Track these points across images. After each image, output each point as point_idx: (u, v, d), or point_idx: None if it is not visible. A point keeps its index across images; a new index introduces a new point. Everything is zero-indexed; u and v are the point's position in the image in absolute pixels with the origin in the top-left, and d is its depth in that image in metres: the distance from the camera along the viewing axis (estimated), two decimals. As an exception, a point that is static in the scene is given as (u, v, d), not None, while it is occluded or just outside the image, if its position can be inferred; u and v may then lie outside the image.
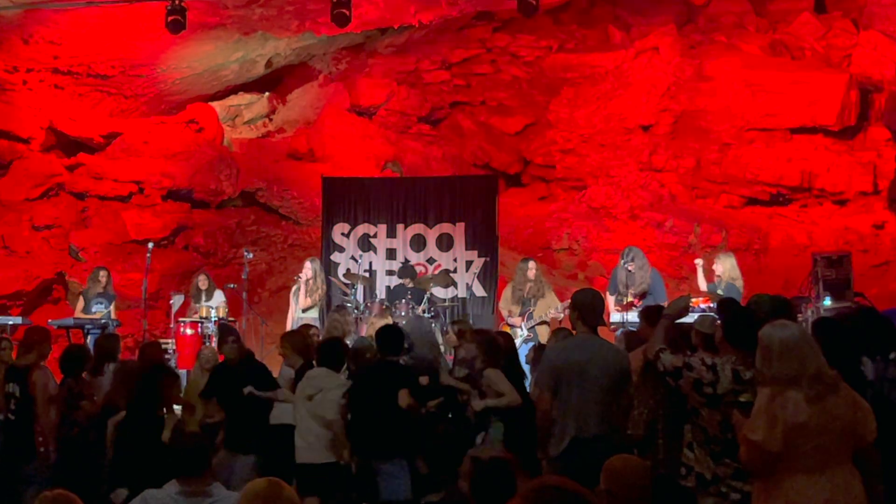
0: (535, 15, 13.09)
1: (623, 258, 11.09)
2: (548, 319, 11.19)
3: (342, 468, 6.91)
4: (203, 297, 12.29)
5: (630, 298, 10.79)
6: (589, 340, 5.85)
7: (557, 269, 15.29)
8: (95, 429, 7.88)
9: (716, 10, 17.37)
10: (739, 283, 10.90)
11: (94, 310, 11.90)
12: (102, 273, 12.25)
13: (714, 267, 11.06)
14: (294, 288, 12.23)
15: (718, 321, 5.24)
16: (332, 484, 6.81)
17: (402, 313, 11.51)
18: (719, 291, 10.57)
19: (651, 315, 6.74)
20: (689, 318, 5.95)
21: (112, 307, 12.17)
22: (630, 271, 10.90)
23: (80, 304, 12.07)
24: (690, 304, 5.59)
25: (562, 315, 10.99)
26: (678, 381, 4.68)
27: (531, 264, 11.66)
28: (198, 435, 5.64)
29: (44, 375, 7.63)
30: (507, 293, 11.77)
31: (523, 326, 11.23)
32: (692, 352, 5.19)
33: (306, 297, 11.98)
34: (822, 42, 16.48)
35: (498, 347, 7.03)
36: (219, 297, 12.36)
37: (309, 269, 12.13)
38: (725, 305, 5.25)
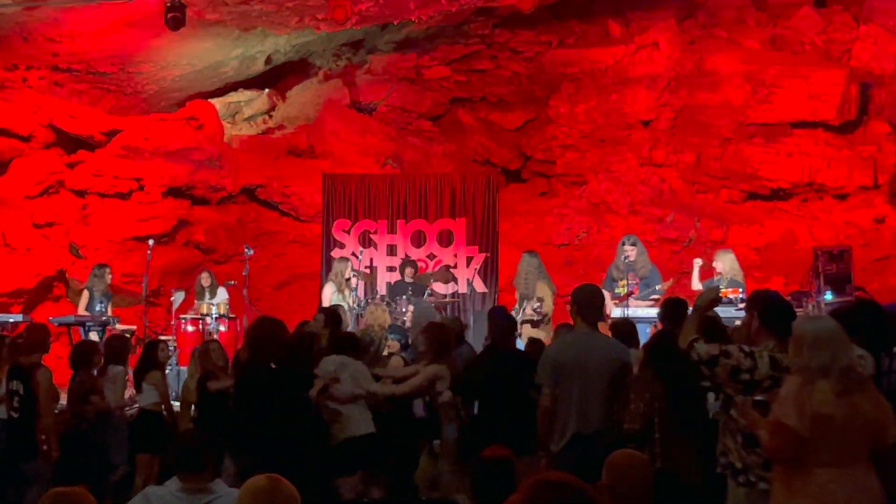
0: (534, 10, 13.11)
1: (623, 244, 11.07)
2: (531, 318, 11.00)
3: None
4: (206, 295, 12.29)
5: (626, 289, 10.78)
6: (589, 336, 5.86)
7: (558, 265, 15.28)
8: (103, 424, 7.91)
9: (715, 4, 17.36)
10: (741, 278, 10.90)
11: (97, 308, 11.86)
12: (108, 270, 12.21)
13: (714, 264, 11.00)
14: (333, 288, 12.01)
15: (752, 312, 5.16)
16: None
17: (403, 309, 11.52)
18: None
19: (671, 308, 6.74)
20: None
21: (110, 305, 12.17)
22: (630, 258, 10.89)
23: (85, 299, 11.98)
24: (720, 296, 5.56)
25: (536, 316, 10.87)
26: (714, 369, 4.63)
27: (524, 257, 11.55)
28: (198, 432, 5.64)
29: (47, 374, 7.64)
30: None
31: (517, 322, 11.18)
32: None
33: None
34: (822, 36, 16.45)
35: (447, 342, 6.96)
36: (222, 295, 12.35)
37: (348, 267, 12.10)
38: (760, 296, 5.15)
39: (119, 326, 11.84)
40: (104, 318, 11.89)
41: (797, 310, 9.71)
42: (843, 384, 3.99)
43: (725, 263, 10.91)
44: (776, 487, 4.16)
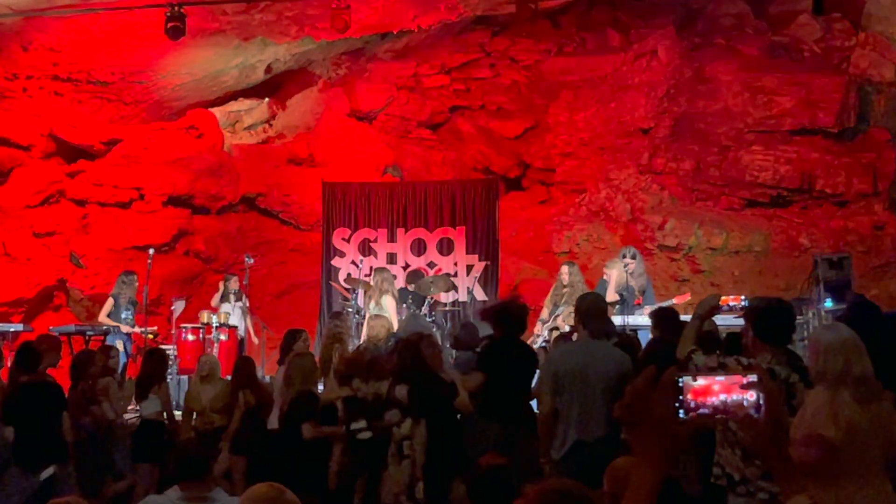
0: (533, 19, 13.14)
1: (623, 256, 11.06)
2: (559, 325, 11.02)
3: None
4: (232, 298, 12.23)
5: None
6: (589, 344, 5.88)
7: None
8: (105, 433, 7.90)
9: (714, 12, 17.39)
10: (634, 284, 10.95)
11: (123, 315, 11.74)
12: (135, 277, 12.11)
13: (606, 273, 11.06)
14: (366, 295, 12.01)
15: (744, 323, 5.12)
16: None
17: (403, 317, 11.52)
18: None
19: (661, 318, 6.73)
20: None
21: (134, 313, 12.08)
22: (630, 269, 10.88)
23: (108, 307, 11.79)
24: (720, 303, 5.50)
25: (567, 327, 10.88)
26: None
27: (564, 268, 11.49)
28: (198, 440, 5.65)
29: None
30: (548, 296, 11.71)
31: (543, 331, 11.17)
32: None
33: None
34: (820, 43, 16.48)
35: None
36: (245, 301, 12.35)
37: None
38: (754, 307, 5.12)
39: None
40: (105, 327, 11.84)
41: (797, 317, 9.76)
42: (862, 393, 3.96)
43: (612, 274, 10.97)
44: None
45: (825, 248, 13.72)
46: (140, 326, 11.89)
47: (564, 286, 11.27)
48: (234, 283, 12.36)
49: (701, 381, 2.09)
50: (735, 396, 2.09)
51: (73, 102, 15.76)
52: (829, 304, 10.57)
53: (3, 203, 14.97)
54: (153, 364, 8.54)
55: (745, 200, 15.67)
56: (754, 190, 15.50)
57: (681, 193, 15.91)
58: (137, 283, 12.00)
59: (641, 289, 10.92)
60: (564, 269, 11.50)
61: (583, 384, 5.68)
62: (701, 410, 2.08)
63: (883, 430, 3.97)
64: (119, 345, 11.05)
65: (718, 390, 2.10)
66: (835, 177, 15.12)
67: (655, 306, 9.42)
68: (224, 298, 12.28)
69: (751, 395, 2.11)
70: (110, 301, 11.88)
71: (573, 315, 10.70)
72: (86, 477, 7.45)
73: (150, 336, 11.97)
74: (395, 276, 12.39)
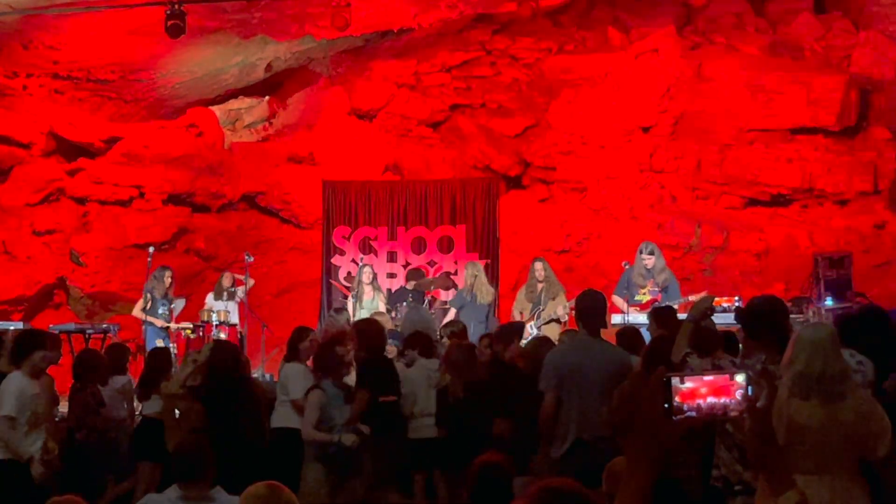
0: (533, 17, 13.14)
1: (641, 252, 11.05)
2: (557, 317, 11.13)
3: None
4: (224, 295, 12.22)
5: (648, 296, 10.73)
6: (589, 343, 5.87)
7: (558, 272, 15.26)
8: (116, 434, 7.90)
9: (715, 11, 17.37)
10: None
11: (160, 311, 11.68)
12: (168, 273, 12.05)
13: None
14: (356, 292, 12.09)
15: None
16: None
17: (402, 315, 11.52)
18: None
19: (661, 316, 6.71)
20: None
21: (171, 309, 11.96)
22: (648, 266, 10.85)
23: (142, 303, 11.75)
24: (714, 304, 5.47)
25: (566, 317, 11.00)
26: None
27: (538, 265, 11.66)
28: (199, 440, 5.63)
29: (49, 381, 7.61)
30: (520, 294, 11.81)
31: (532, 326, 11.20)
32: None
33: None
34: (821, 42, 16.47)
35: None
36: (240, 295, 12.36)
37: (369, 272, 12.12)
38: (744, 308, 5.07)
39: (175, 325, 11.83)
40: (104, 326, 11.82)
41: (798, 316, 9.76)
42: (822, 392, 3.95)
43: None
44: (758, 495, 4.15)
45: (826, 247, 13.71)
46: (176, 322, 11.91)
47: (539, 281, 11.41)
48: (227, 280, 12.35)
49: (688, 384, 2.09)
50: (722, 399, 2.10)
51: (73, 100, 15.76)
52: (829, 302, 10.58)
53: (3, 201, 14.97)
54: (156, 363, 8.51)
55: (746, 199, 15.67)
56: (755, 189, 15.50)
57: (681, 192, 15.90)
58: (169, 280, 11.93)
59: (664, 284, 10.88)
60: (538, 265, 11.69)
61: (583, 382, 5.67)
62: (688, 413, 2.08)
63: (843, 430, 3.94)
64: (159, 342, 11.04)
65: (706, 392, 2.10)
66: (835, 176, 15.11)
67: (666, 304, 9.41)
68: (218, 296, 12.26)
69: (737, 397, 2.11)
70: (147, 296, 11.81)
71: (556, 308, 11.03)
72: (87, 478, 7.43)
73: (188, 331, 11.92)
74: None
